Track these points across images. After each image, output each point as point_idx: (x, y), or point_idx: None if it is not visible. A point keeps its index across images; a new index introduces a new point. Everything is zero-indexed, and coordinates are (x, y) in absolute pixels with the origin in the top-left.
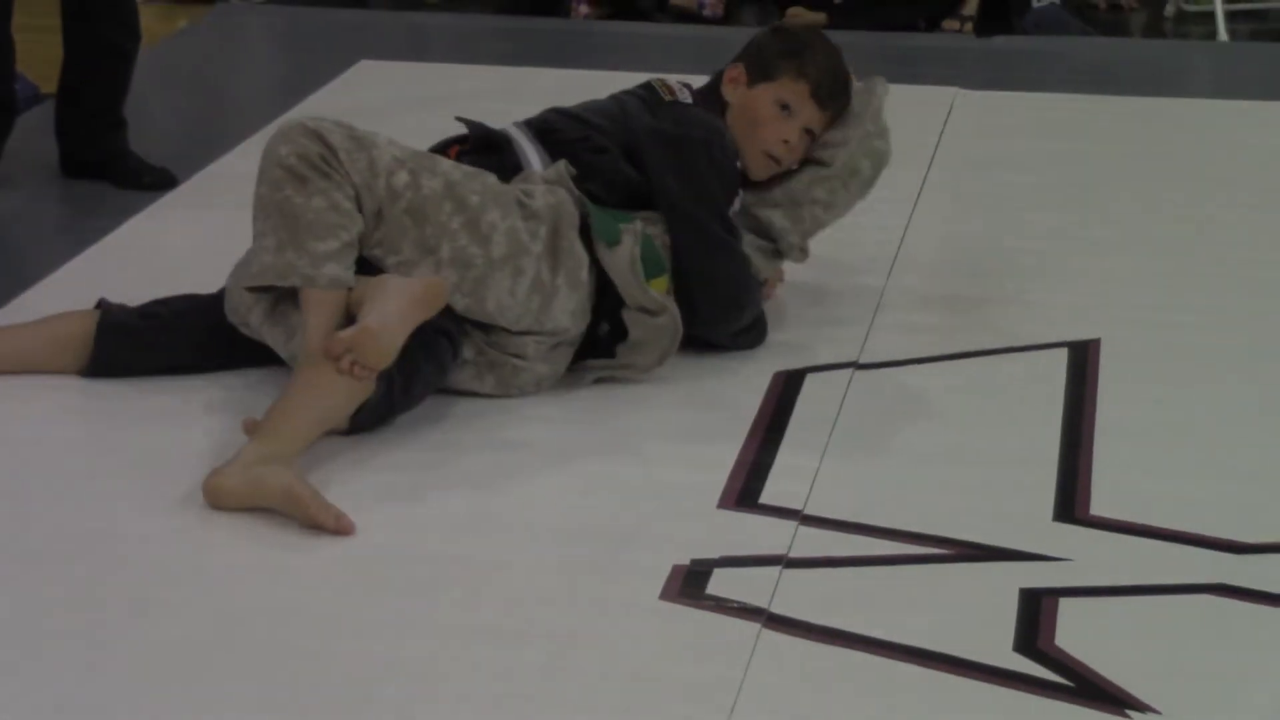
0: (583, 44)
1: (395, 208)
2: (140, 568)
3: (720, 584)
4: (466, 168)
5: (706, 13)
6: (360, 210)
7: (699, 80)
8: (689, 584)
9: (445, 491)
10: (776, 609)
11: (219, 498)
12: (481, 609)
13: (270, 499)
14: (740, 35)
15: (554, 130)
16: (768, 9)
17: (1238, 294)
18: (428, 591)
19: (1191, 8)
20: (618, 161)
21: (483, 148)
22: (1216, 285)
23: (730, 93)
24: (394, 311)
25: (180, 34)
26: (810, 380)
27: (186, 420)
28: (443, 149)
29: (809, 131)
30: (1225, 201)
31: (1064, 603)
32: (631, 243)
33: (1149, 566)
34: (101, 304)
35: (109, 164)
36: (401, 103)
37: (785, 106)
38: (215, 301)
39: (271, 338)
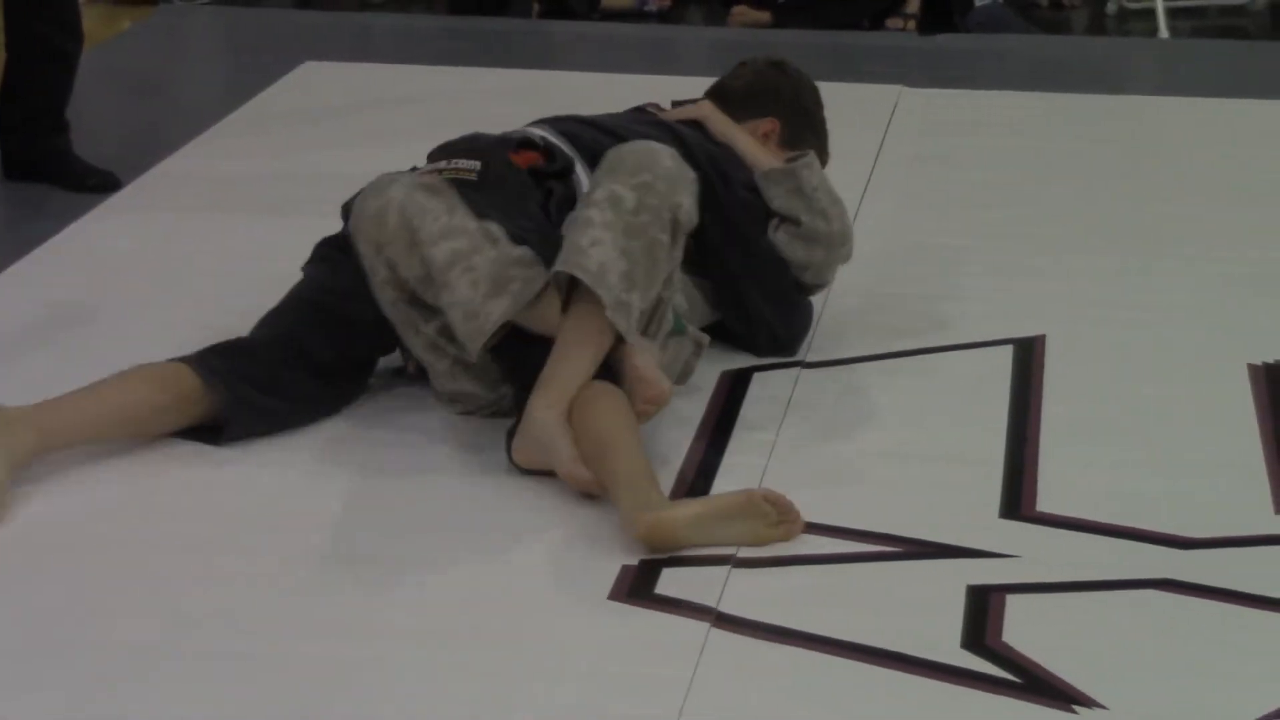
0: (528, 43)
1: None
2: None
3: (669, 584)
4: None
5: (651, 8)
6: None
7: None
8: (637, 584)
9: (392, 492)
10: (725, 608)
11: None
12: (430, 610)
13: None
14: (686, 34)
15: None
16: (713, 7)
17: (1182, 290)
18: (375, 593)
19: (1133, 5)
20: None
21: (556, 173)
22: (1161, 281)
23: (772, 145)
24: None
25: (123, 35)
26: (757, 379)
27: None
28: (509, 146)
29: None
30: (1169, 198)
31: (1011, 599)
32: (687, 350)
33: (1095, 562)
34: (194, 365)
35: (52, 166)
36: (347, 104)
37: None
38: (321, 346)
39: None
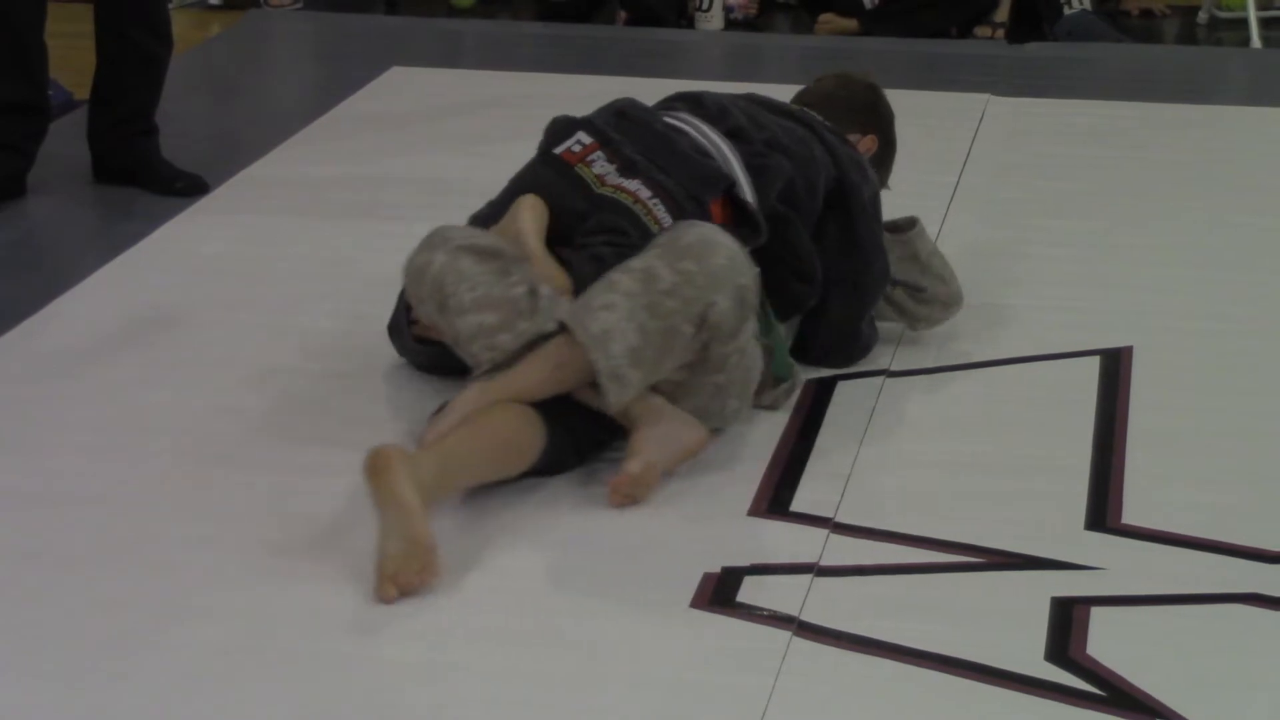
0: (616, 50)
1: (712, 377)
2: (170, 574)
3: (751, 592)
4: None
5: (737, 15)
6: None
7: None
8: (720, 592)
9: (477, 501)
10: (807, 617)
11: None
12: (513, 616)
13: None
14: (773, 42)
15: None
16: (800, 15)
17: (1270, 302)
18: (461, 598)
19: (1224, 14)
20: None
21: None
22: (1249, 293)
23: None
24: (668, 457)
25: (212, 40)
26: (841, 388)
27: (217, 424)
28: (708, 188)
29: None
30: (1258, 209)
31: (1096, 611)
32: (788, 390)
33: (1181, 575)
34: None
35: (141, 170)
36: (434, 109)
37: None
38: None
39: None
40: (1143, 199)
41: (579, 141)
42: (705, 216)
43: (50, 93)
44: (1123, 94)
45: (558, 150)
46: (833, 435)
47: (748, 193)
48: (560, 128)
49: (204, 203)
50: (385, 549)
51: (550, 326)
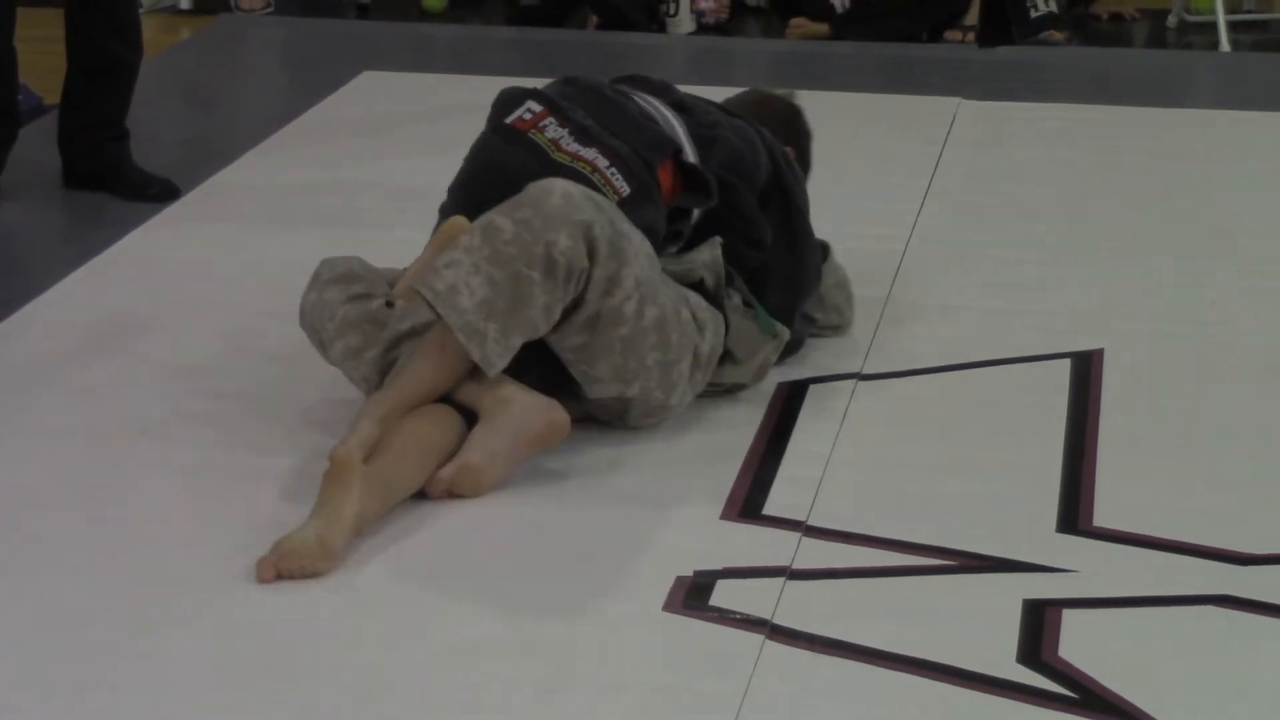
0: (587, 54)
1: (612, 332)
2: (146, 580)
3: (723, 595)
4: (675, 288)
5: (708, 19)
6: (561, 316)
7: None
8: (692, 595)
9: (446, 504)
10: (780, 620)
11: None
12: (483, 620)
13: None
14: (744, 46)
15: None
16: (771, 19)
17: (1242, 304)
18: (429, 603)
19: (1193, 18)
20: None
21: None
22: (1220, 296)
23: None
24: (504, 450)
25: (182, 45)
26: (813, 391)
27: (189, 430)
28: (656, 153)
29: None
30: (1228, 212)
31: (1067, 614)
32: (768, 346)
33: (1153, 577)
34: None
35: (112, 175)
36: (405, 114)
37: None
38: None
39: (355, 368)
40: (1113, 202)
41: (529, 110)
42: (654, 182)
43: (20, 98)
44: (1093, 97)
45: (508, 120)
46: (805, 439)
47: (694, 158)
48: (509, 98)
49: (175, 208)
50: (297, 534)
51: (403, 327)
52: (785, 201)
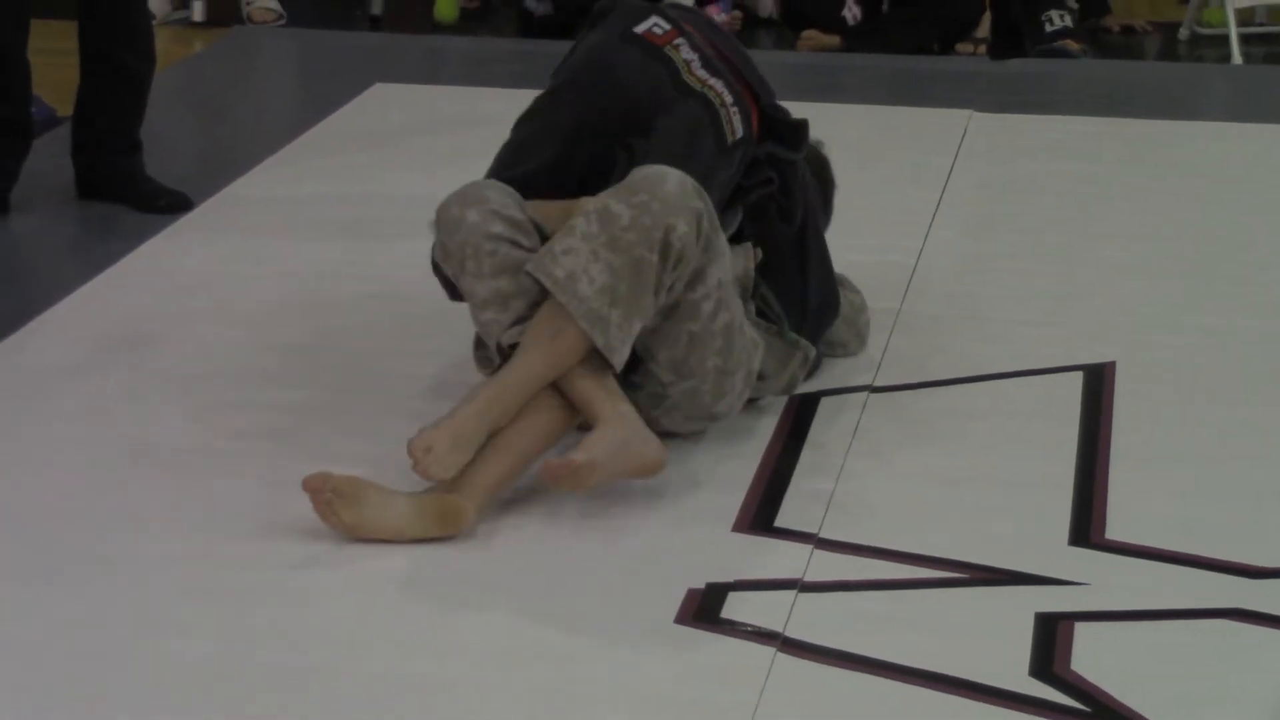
0: None
1: (684, 325)
2: (152, 589)
3: (735, 608)
4: (739, 305)
5: None
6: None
7: None
8: (704, 608)
9: None
10: (791, 633)
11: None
12: (494, 630)
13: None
14: (756, 58)
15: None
16: (782, 31)
17: (1254, 317)
18: (440, 612)
19: (1205, 30)
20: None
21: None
22: (1232, 308)
23: None
24: (618, 465)
25: (196, 57)
26: (825, 403)
27: (200, 441)
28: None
29: None
30: (1240, 224)
31: (1080, 627)
32: (796, 362)
33: (1165, 591)
34: None
35: (125, 187)
36: (417, 126)
37: None
38: None
39: (486, 317)
40: (1125, 214)
41: (658, 25)
42: (752, 128)
43: (33, 109)
44: (1104, 110)
45: (638, 30)
46: (816, 451)
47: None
48: (631, 9)
49: (187, 220)
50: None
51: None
52: (811, 227)
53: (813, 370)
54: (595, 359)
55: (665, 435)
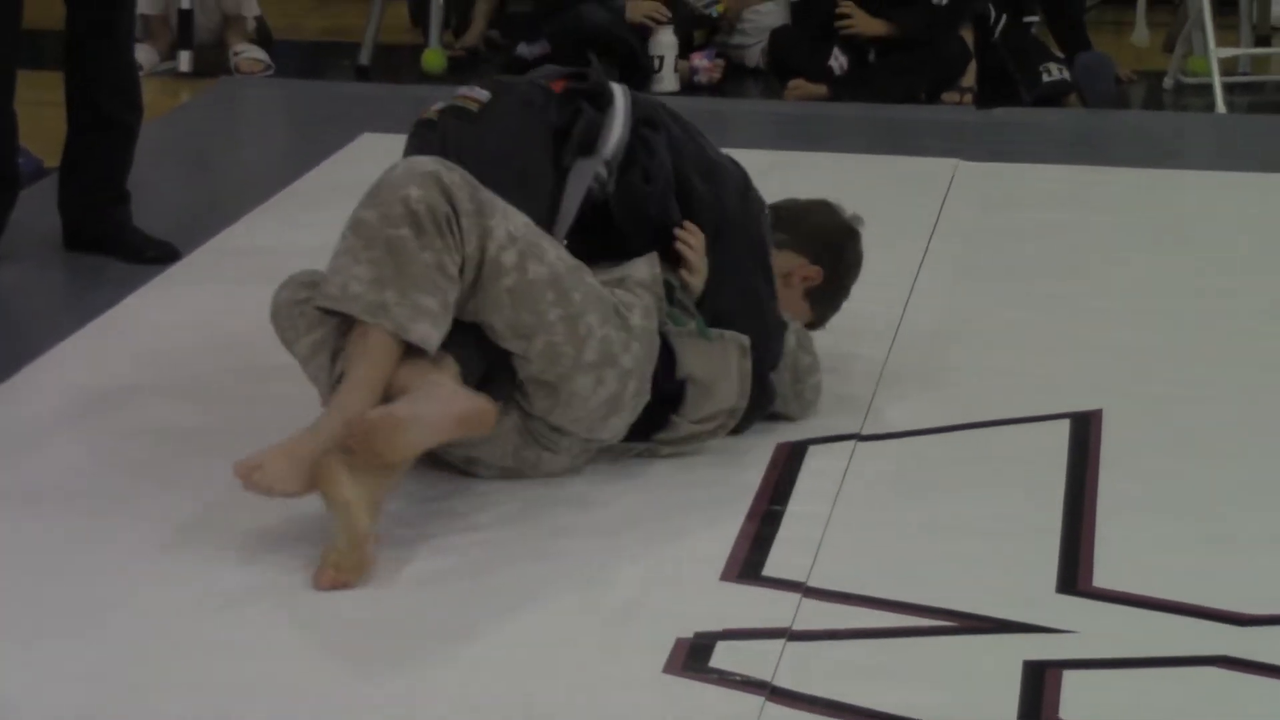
0: None
1: (497, 284)
2: (140, 647)
3: (724, 657)
4: (571, 260)
5: (701, 79)
6: (459, 278)
7: None
8: (692, 657)
9: (443, 565)
10: (780, 682)
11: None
12: (481, 682)
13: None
14: (742, 108)
15: (653, 124)
16: (769, 81)
17: (1239, 366)
18: (428, 665)
19: (1189, 80)
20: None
21: (588, 94)
22: (1218, 357)
23: (797, 285)
24: (431, 418)
25: (183, 108)
26: (812, 452)
27: (185, 495)
28: (550, 75)
29: None
30: (1225, 273)
31: (1068, 675)
32: (734, 355)
33: (1153, 638)
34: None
35: (112, 238)
36: None
37: None
38: None
39: (313, 368)
40: (1111, 263)
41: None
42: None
43: (20, 160)
44: (1089, 159)
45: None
46: (804, 499)
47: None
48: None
49: (175, 270)
50: (333, 543)
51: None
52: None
53: (764, 405)
54: (418, 353)
55: (643, 459)
